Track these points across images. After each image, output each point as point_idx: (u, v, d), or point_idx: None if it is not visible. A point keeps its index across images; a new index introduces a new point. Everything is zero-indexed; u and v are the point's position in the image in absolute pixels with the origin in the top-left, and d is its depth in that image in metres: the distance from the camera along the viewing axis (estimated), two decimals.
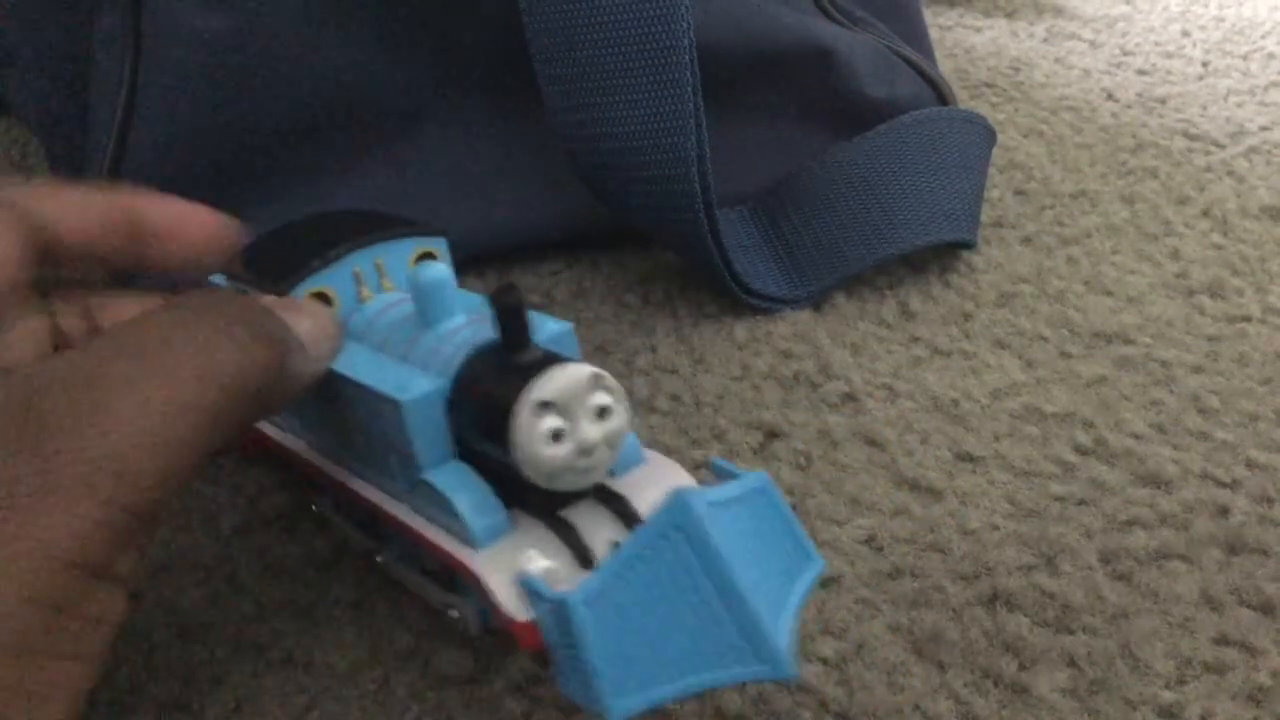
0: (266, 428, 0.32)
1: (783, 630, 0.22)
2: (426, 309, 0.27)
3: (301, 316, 0.25)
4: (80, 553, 0.20)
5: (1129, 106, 0.60)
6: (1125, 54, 0.68)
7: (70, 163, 0.45)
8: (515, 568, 0.24)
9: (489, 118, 0.44)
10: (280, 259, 0.29)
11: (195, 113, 0.41)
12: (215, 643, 0.28)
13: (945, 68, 0.66)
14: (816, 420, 0.36)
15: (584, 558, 0.24)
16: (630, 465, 0.26)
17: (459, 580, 0.26)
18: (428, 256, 0.30)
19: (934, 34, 0.72)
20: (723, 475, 0.25)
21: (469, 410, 0.25)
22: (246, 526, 0.32)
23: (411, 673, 0.27)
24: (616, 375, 0.38)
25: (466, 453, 0.26)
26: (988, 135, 0.48)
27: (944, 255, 0.45)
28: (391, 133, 0.44)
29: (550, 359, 0.24)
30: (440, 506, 0.25)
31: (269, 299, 0.26)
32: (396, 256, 0.29)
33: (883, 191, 0.44)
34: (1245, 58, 0.67)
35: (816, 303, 0.42)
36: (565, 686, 0.22)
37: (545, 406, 0.23)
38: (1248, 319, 0.41)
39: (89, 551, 0.20)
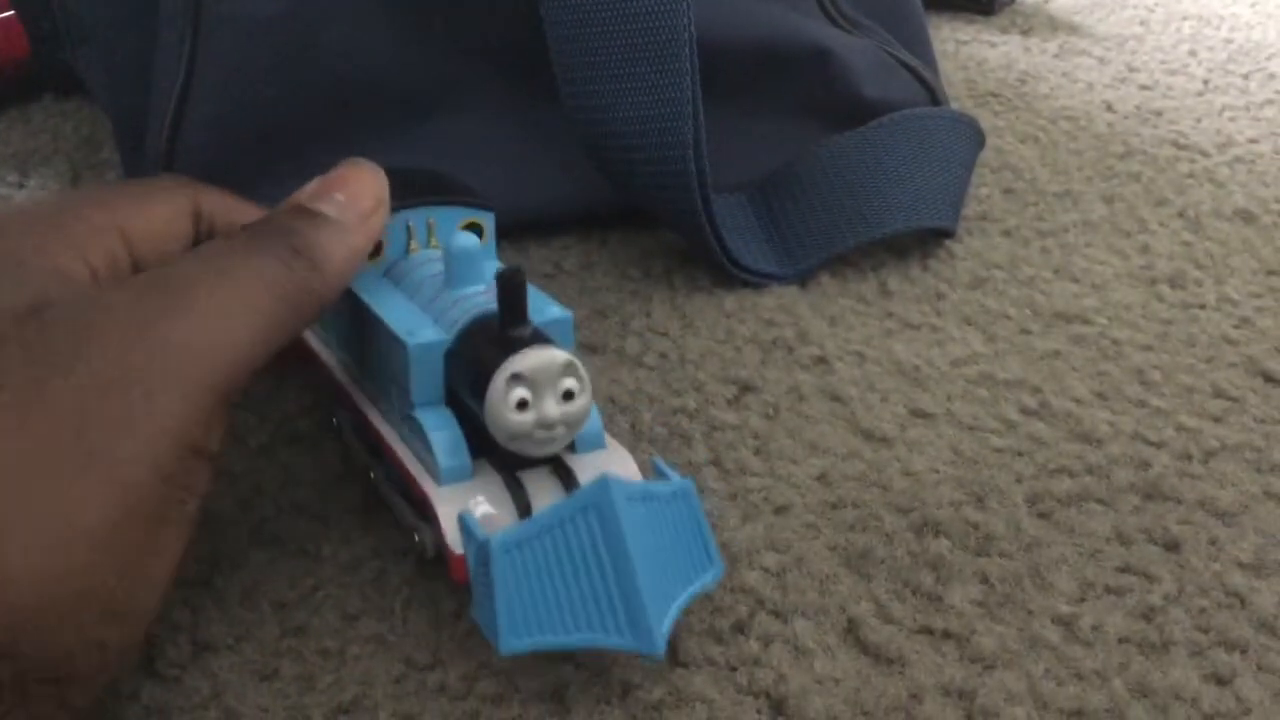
0: (313, 342, 0.36)
1: (663, 615, 0.26)
2: (452, 272, 0.31)
3: (329, 236, 0.29)
4: (188, 433, 0.24)
5: (1125, 118, 0.63)
6: (1131, 70, 0.71)
7: (133, 136, 0.50)
8: (463, 506, 0.28)
9: (511, 103, 0.49)
10: None
11: (245, 90, 0.45)
12: (238, 535, 0.33)
13: (956, 79, 0.69)
14: (788, 378, 0.40)
15: (525, 513, 0.29)
16: (591, 448, 0.30)
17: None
18: (474, 225, 0.34)
19: (950, 48, 0.76)
20: (658, 474, 0.29)
21: (460, 366, 0.29)
22: (271, 444, 0.36)
23: (406, 565, 0.31)
24: (613, 336, 0.42)
25: (454, 402, 0.30)
26: (975, 134, 0.52)
27: (926, 242, 0.49)
28: (422, 114, 0.48)
29: (536, 338, 0.28)
30: (421, 440, 0.29)
31: (302, 208, 0.30)
32: (447, 220, 0.34)
33: (870, 180, 0.48)
34: (1246, 77, 0.70)
35: (803, 280, 0.46)
36: (477, 615, 0.26)
37: (517, 378, 0.27)
38: (1202, 306, 0.44)
39: (193, 432, 0.24)
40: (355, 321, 0.33)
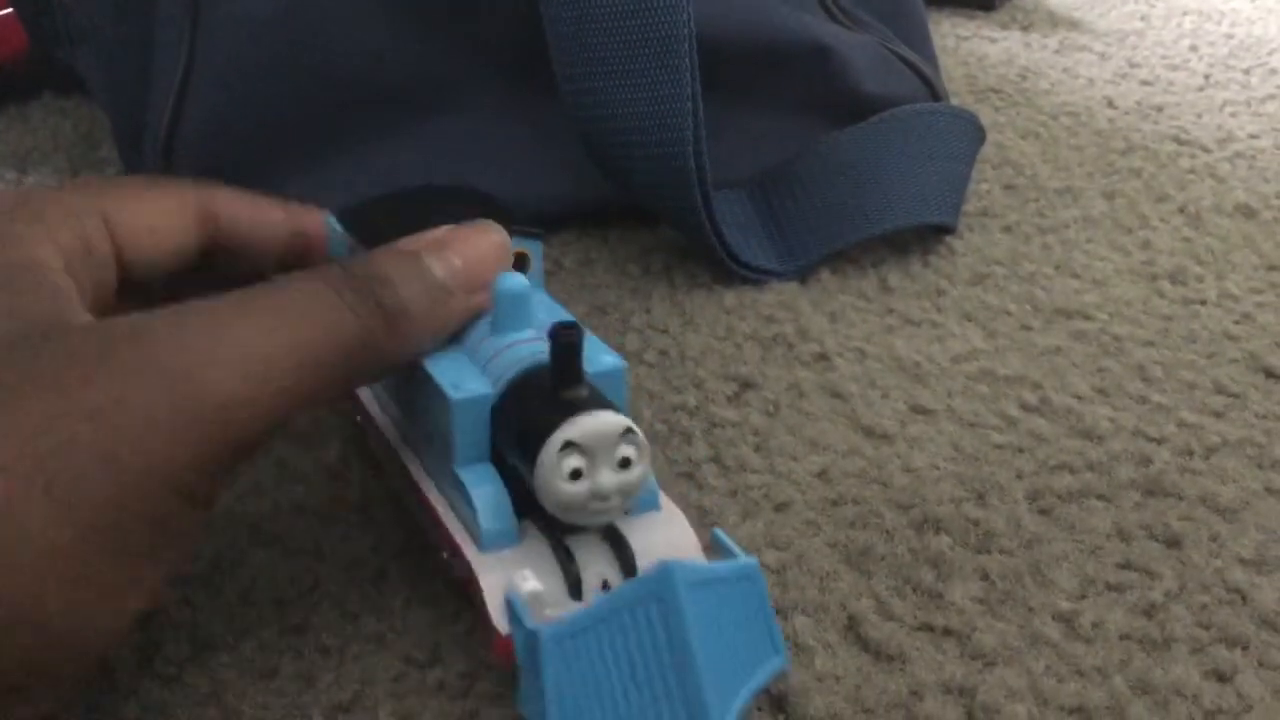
0: None
1: (727, 714, 0.24)
2: (499, 317, 0.28)
3: (424, 295, 0.27)
4: (179, 479, 0.23)
5: (1126, 113, 0.63)
6: (1132, 66, 0.71)
7: (132, 134, 0.50)
8: (509, 582, 0.26)
9: (511, 101, 0.48)
10: (388, 226, 0.30)
11: (244, 89, 0.45)
12: (236, 533, 0.32)
13: (957, 74, 0.69)
14: (789, 375, 0.40)
15: (575, 587, 0.26)
16: (645, 509, 0.28)
17: None
18: (521, 256, 0.32)
19: (950, 43, 0.76)
20: (719, 549, 0.27)
21: (507, 423, 0.27)
22: (271, 443, 0.36)
23: (406, 563, 0.31)
24: (613, 333, 0.42)
25: (499, 457, 0.28)
26: (975, 130, 0.52)
27: (927, 238, 0.49)
28: (422, 112, 0.48)
29: (591, 401, 0.25)
30: (463, 498, 0.27)
31: (415, 255, 0.28)
32: None
33: (870, 175, 0.47)
34: (1247, 72, 0.70)
35: (803, 276, 0.46)
36: (523, 707, 0.25)
37: (571, 446, 0.25)
38: (1203, 302, 0.44)
39: (187, 479, 0.23)
40: None
